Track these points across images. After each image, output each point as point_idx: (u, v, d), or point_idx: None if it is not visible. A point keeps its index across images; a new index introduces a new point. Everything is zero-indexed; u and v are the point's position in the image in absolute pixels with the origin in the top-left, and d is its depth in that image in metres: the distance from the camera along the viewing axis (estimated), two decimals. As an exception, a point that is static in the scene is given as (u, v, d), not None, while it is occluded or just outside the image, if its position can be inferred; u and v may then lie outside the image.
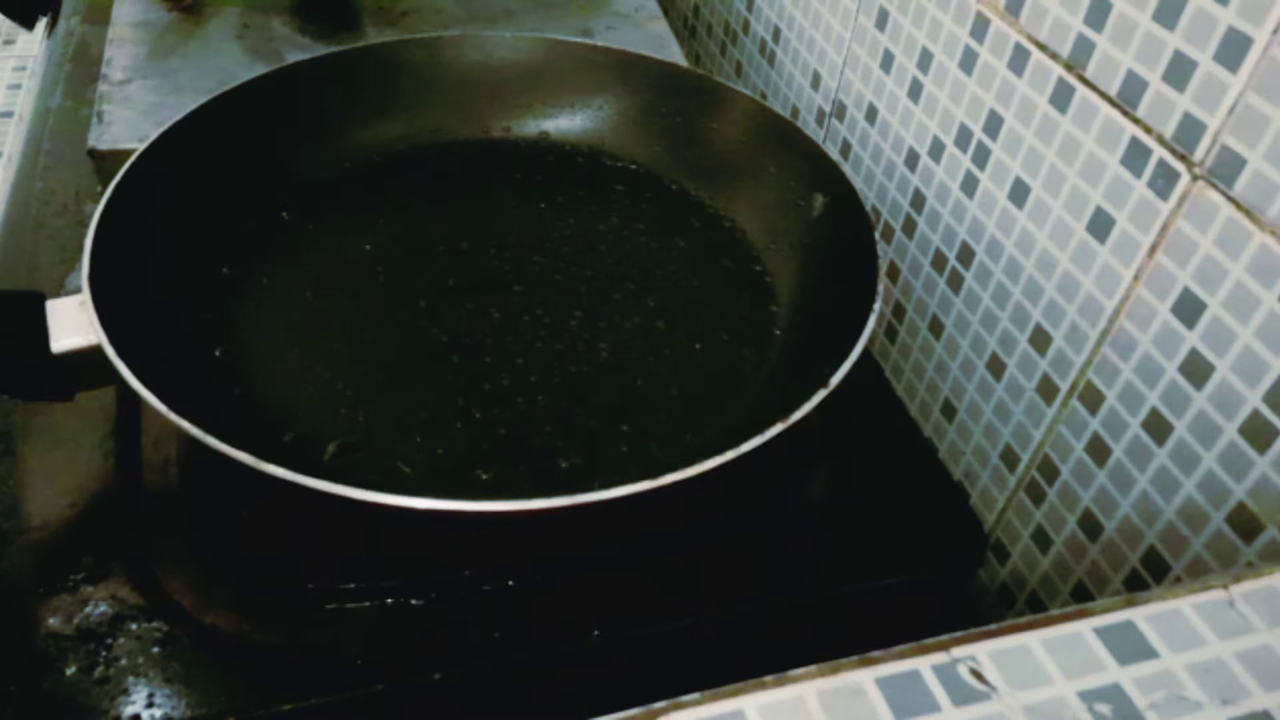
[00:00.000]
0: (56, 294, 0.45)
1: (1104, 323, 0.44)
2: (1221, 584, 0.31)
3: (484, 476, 0.46)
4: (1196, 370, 0.40)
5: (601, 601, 0.46)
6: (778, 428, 0.41)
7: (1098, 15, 0.42)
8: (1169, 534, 0.42)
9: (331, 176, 0.61)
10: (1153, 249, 0.41)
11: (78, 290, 0.44)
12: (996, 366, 0.51)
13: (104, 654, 0.42)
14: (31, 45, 0.66)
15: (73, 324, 0.44)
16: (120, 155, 0.56)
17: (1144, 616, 0.30)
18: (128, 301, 0.46)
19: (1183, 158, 0.39)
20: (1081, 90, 0.43)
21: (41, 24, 0.68)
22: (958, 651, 0.29)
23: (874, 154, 0.60)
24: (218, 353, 0.50)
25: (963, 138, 0.51)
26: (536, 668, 0.44)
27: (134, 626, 0.43)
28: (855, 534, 0.50)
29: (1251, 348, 0.37)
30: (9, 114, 0.60)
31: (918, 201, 0.56)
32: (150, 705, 0.40)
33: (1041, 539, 0.49)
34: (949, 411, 0.55)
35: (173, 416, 0.39)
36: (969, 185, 0.51)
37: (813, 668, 0.28)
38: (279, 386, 0.49)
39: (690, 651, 0.47)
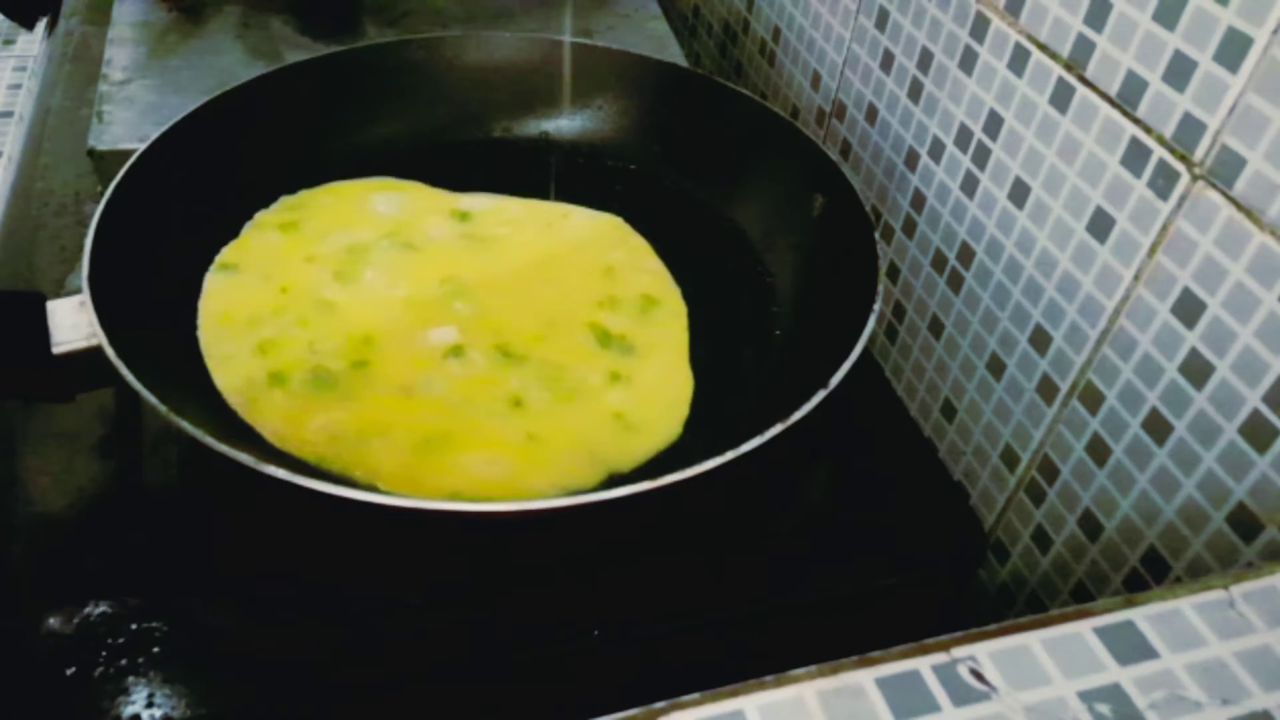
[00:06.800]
0: (56, 294, 0.45)
1: (1104, 323, 0.44)
2: (1221, 584, 0.31)
3: (484, 476, 0.46)
4: (1196, 370, 0.40)
5: (601, 601, 0.46)
6: (778, 428, 0.41)
7: (1098, 15, 0.42)
8: (1169, 534, 0.42)
9: (331, 176, 0.61)
10: (1153, 249, 0.41)
11: (78, 290, 0.44)
12: (996, 366, 0.51)
13: (104, 654, 0.42)
14: (31, 45, 0.66)
15: (73, 324, 0.44)
16: (120, 155, 0.56)
17: (1144, 616, 0.30)
18: (128, 301, 0.46)
19: (1183, 158, 0.39)
20: (1081, 90, 0.43)
21: (41, 24, 0.68)
22: (958, 651, 0.29)
23: (874, 154, 0.60)
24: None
25: (963, 138, 0.51)
26: (536, 668, 0.44)
27: (134, 626, 0.42)
28: (855, 534, 0.50)
29: (1251, 348, 0.37)
30: (9, 114, 0.59)
31: (918, 201, 0.56)
32: (150, 705, 0.40)
33: (1041, 539, 0.49)
34: (949, 411, 0.55)
35: (172, 417, 0.39)
36: (969, 185, 0.51)
37: (813, 668, 0.28)
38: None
39: (690, 651, 0.47)
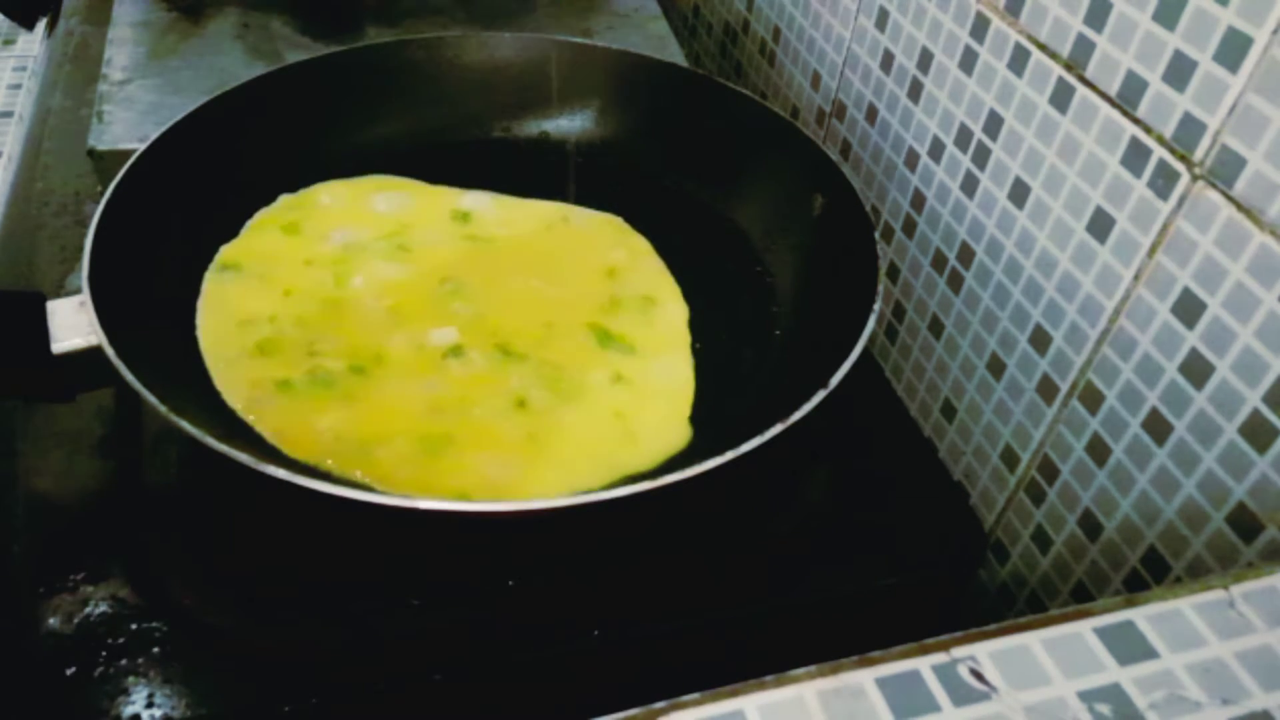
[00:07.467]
0: (56, 294, 0.45)
1: (1104, 323, 0.44)
2: (1221, 584, 0.31)
3: (484, 476, 0.46)
4: (1196, 370, 0.40)
5: (601, 601, 0.46)
6: (778, 428, 0.41)
7: (1098, 15, 0.42)
8: (1169, 534, 0.42)
9: (331, 176, 0.61)
10: (1153, 249, 0.41)
11: (78, 290, 0.44)
12: (996, 366, 0.51)
13: (104, 654, 0.42)
14: (31, 45, 0.66)
15: (73, 324, 0.44)
16: (120, 155, 0.56)
17: (1144, 616, 0.30)
18: (128, 301, 0.46)
19: (1183, 158, 0.39)
20: (1081, 90, 0.43)
21: (41, 24, 0.68)
22: (958, 651, 0.29)
23: (874, 154, 0.60)
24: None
25: (963, 138, 0.51)
26: (536, 668, 0.44)
27: (134, 626, 0.43)
28: (855, 534, 0.50)
29: (1251, 348, 0.37)
30: (9, 114, 0.59)
31: (918, 201, 0.56)
32: (150, 705, 0.40)
33: (1041, 539, 0.49)
34: (949, 411, 0.55)
35: (172, 417, 0.39)
36: (969, 185, 0.51)
37: (813, 668, 0.28)
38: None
39: (690, 651, 0.47)
